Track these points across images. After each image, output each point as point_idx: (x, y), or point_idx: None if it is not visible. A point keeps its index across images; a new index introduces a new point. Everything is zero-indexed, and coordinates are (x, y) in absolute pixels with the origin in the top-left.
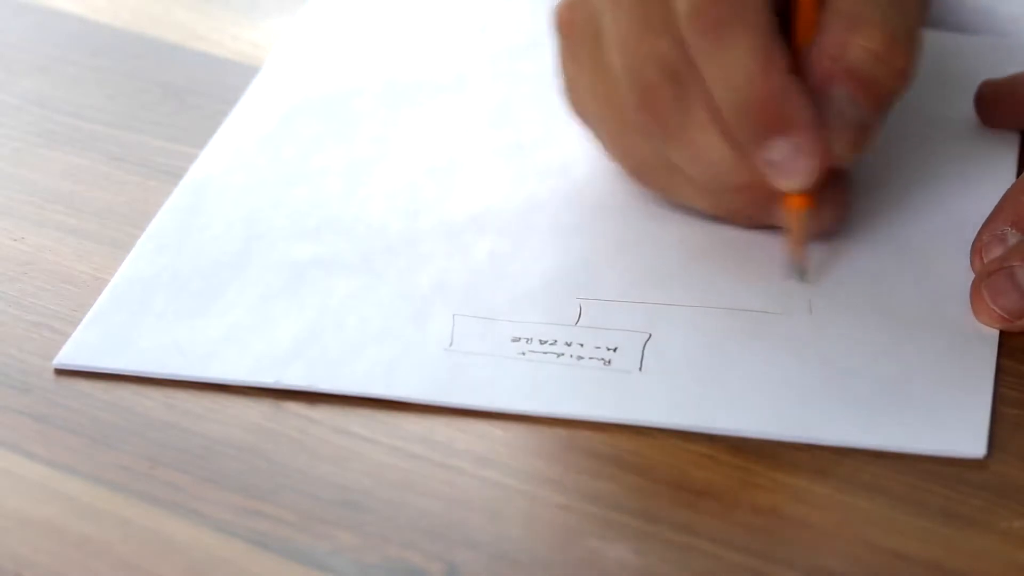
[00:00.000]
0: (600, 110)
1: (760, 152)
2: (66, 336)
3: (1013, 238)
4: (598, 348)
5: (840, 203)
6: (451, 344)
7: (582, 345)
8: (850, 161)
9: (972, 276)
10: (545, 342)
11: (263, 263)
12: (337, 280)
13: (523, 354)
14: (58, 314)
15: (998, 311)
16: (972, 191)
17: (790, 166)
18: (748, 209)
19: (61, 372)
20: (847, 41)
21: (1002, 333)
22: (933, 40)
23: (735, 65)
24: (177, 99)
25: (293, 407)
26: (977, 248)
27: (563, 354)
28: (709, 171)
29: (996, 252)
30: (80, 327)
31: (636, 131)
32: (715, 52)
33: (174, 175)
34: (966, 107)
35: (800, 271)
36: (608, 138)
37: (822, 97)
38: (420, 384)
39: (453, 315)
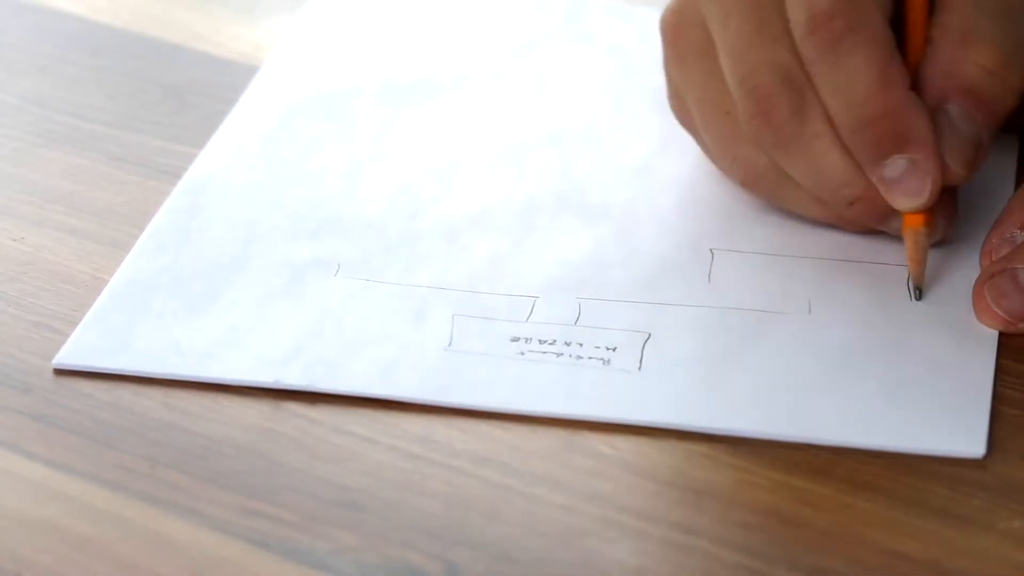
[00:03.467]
0: (708, 117)
1: (877, 169)
2: (66, 336)
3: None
4: (597, 348)
5: (950, 215)
6: (450, 344)
7: (581, 345)
8: (965, 180)
9: (971, 276)
10: (544, 342)
11: (263, 263)
12: (336, 280)
13: (522, 354)
14: (58, 314)
15: (1001, 313)
16: (971, 192)
17: (907, 184)
18: (860, 219)
19: (61, 372)
20: (961, 57)
21: (1002, 333)
22: None
23: (854, 80)
24: (177, 99)
25: (293, 407)
26: (987, 251)
27: (562, 354)
28: (824, 183)
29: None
30: (80, 327)
31: (748, 140)
32: (833, 66)
33: (174, 175)
34: None
35: (917, 289)
36: (716, 146)
37: (937, 114)
38: (419, 384)
39: (452, 315)
